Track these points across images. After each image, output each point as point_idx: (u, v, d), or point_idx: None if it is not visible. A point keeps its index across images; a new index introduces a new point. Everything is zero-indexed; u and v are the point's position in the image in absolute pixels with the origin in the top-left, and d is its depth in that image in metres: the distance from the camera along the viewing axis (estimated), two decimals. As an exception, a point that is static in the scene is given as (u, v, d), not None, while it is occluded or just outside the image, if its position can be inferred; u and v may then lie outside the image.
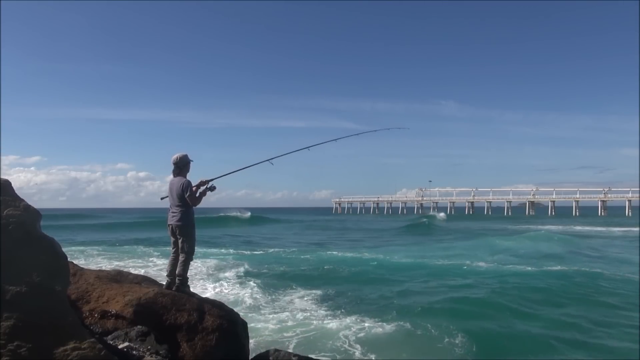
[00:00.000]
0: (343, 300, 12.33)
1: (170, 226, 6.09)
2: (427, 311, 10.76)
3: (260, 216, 64.62)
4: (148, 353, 4.67)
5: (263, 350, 6.02)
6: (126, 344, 4.76)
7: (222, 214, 58.71)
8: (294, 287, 14.01)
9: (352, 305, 11.64)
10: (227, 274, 15.97)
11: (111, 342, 4.69)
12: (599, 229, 47.64)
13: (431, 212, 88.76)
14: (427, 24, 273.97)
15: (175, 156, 6.10)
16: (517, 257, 21.13)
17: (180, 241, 6.02)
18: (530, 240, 29.82)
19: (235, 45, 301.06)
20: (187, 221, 6.01)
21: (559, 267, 17.40)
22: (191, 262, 6.20)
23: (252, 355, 5.96)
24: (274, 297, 12.66)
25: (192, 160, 6.20)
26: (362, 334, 9.08)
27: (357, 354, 8.17)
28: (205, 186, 6.10)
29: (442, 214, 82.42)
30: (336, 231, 46.17)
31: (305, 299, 12.45)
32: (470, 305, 11.37)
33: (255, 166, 7.14)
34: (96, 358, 3.63)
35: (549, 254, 22.64)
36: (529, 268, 17.29)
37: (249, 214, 61.53)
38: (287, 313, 10.77)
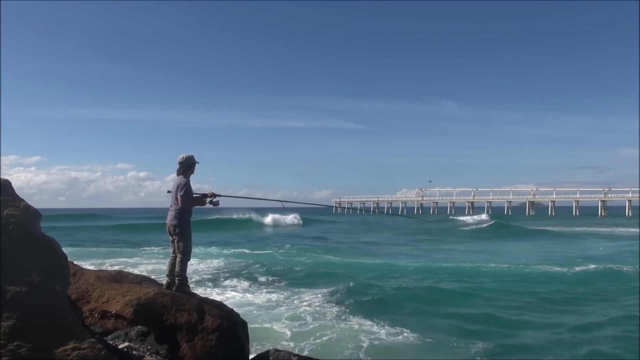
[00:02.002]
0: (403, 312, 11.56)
1: (167, 225, 6.10)
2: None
3: (307, 218, 63.41)
4: (148, 353, 4.67)
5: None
6: (126, 344, 4.76)
7: (275, 220, 56.92)
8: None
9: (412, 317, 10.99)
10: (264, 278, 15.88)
11: (111, 342, 4.69)
12: None
13: (472, 213, 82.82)
14: (427, 24, 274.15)
15: (181, 156, 6.14)
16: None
17: (175, 241, 6.03)
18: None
19: (236, 45, 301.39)
20: (182, 221, 6.00)
21: None
22: (189, 262, 6.19)
23: (252, 355, 5.97)
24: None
25: (198, 162, 6.21)
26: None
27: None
28: (210, 199, 6.12)
29: (484, 215, 74.18)
30: (387, 231, 44.63)
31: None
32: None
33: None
34: (96, 358, 3.63)
35: None
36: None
37: (300, 219, 59.66)
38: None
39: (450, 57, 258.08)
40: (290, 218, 59.39)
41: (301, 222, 58.56)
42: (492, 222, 51.61)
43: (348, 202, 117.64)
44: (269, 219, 57.49)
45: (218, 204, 6.18)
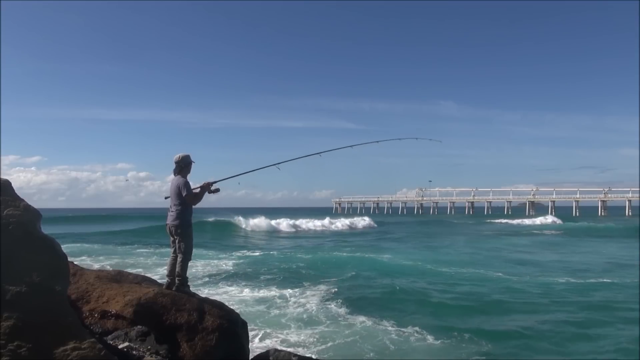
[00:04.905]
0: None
1: (168, 226, 6.10)
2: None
3: (383, 221, 61.68)
4: (148, 353, 4.67)
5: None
6: (126, 344, 4.76)
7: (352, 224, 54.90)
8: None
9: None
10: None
11: (111, 342, 4.69)
12: None
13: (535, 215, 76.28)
14: (426, 25, 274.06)
15: (177, 155, 6.15)
16: None
17: (177, 241, 6.03)
18: None
19: (235, 45, 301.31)
20: (184, 221, 6.00)
21: None
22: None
23: (252, 355, 5.97)
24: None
25: (194, 162, 6.24)
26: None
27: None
28: (209, 187, 6.15)
29: (549, 217, 69.79)
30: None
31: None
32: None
33: (255, 166, 7.14)
34: (96, 358, 3.63)
35: None
36: None
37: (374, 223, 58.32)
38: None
39: (449, 57, 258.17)
40: (365, 221, 58.39)
41: (375, 225, 57.07)
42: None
43: (348, 202, 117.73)
44: (342, 222, 55.59)
45: (218, 190, 6.21)
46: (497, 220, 66.37)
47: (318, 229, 50.90)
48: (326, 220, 54.40)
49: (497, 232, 44.67)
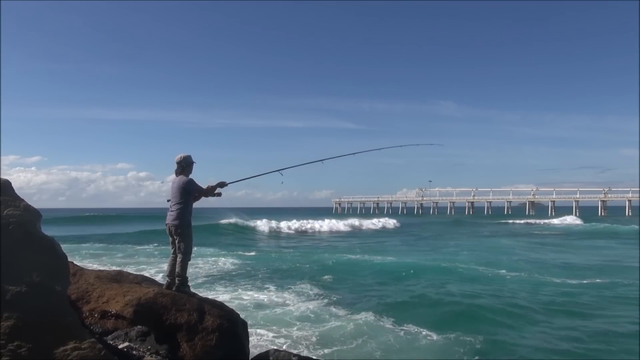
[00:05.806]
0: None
1: (168, 226, 6.10)
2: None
3: (403, 222, 60.50)
4: (148, 353, 4.67)
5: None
6: (126, 344, 4.76)
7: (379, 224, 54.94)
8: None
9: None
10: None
11: (111, 342, 4.69)
12: None
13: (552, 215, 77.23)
14: (426, 25, 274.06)
15: (179, 156, 6.18)
16: None
17: (177, 241, 6.03)
18: None
19: (235, 45, 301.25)
20: (184, 221, 6.01)
21: None
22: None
23: (252, 355, 5.97)
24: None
25: (195, 162, 6.26)
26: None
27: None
28: (218, 187, 6.28)
29: (570, 217, 70.53)
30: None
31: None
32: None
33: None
34: (96, 358, 3.63)
35: None
36: None
37: (398, 223, 58.45)
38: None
39: (449, 57, 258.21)
40: (388, 222, 58.24)
41: (399, 224, 56.77)
42: None
43: (348, 202, 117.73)
44: (350, 222, 55.03)
45: (220, 195, 6.35)
46: (510, 221, 66.56)
47: (324, 229, 50.60)
48: (333, 221, 53.82)
49: (510, 233, 44.23)
